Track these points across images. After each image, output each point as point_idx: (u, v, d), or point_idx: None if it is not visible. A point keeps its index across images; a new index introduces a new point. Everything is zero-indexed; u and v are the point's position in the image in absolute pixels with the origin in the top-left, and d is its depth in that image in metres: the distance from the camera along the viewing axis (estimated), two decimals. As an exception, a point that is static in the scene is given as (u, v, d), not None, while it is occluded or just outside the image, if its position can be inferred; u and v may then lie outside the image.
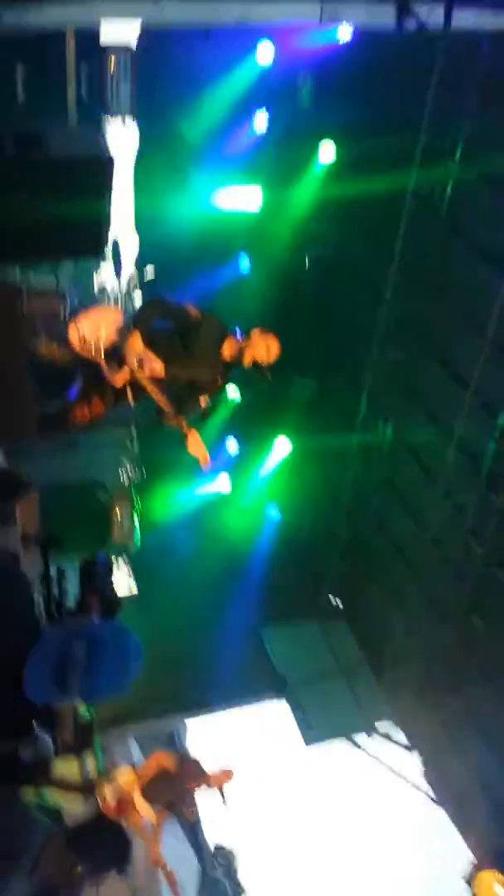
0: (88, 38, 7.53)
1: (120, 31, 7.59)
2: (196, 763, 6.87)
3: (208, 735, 9.25)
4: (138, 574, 10.40)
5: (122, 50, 7.93)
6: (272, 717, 9.74)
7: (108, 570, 4.14)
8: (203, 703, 9.22)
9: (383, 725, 9.70)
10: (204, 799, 6.46)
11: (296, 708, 9.68)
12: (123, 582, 10.11)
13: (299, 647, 10.17)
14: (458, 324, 8.13)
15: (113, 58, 7.86)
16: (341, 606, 10.78)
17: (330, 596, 10.81)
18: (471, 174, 7.73)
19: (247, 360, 5.09)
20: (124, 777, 6.15)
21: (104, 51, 7.79)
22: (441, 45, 7.32)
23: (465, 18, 5.98)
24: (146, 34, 7.98)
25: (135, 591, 10.18)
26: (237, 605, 10.14)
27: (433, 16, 5.81)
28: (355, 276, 9.88)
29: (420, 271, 8.54)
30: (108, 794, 6.07)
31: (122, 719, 8.17)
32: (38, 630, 2.34)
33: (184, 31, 5.24)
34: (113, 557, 10.85)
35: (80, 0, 4.05)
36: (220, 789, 6.90)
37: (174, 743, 9.37)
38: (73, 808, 5.08)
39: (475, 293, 7.85)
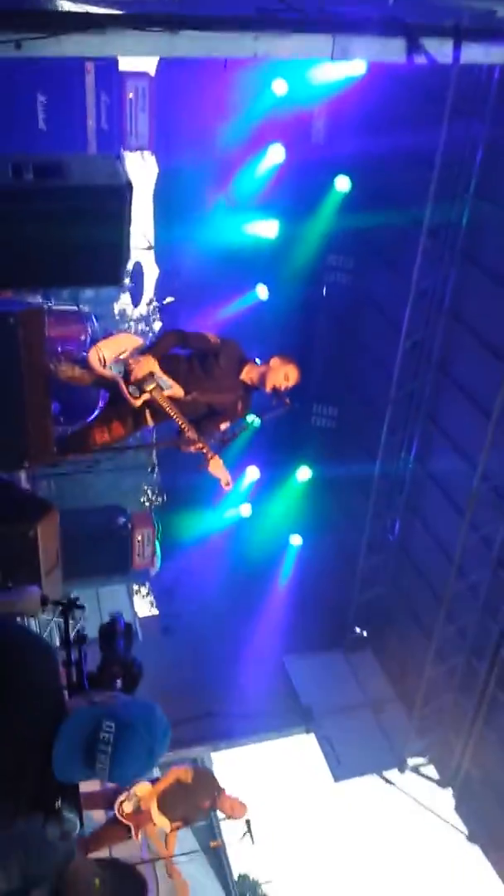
0: (108, 67, 7.75)
1: (138, 60, 7.82)
2: (211, 776, 6.92)
3: (234, 767, 9.10)
4: (159, 598, 10.36)
5: (140, 78, 8.13)
6: (299, 750, 9.56)
7: (129, 636, 4.09)
8: (227, 733, 9.08)
9: (414, 760, 9.47)
10: (230, 832, 6.48)
11: (324, 742, 9.49)
12: (145, 606, 10.10)
13: (324, 677, 9.99)
14: (476, 352, 8.17)
15: (132, 86, 8.06)
16: (366, 635, 10.61)
17: (354, 625, 10.66)
18: (485, 202, 7.83)
19: (267, 386, 5.13)
20: (141, 789, 6.29)
21: (123, 79, 7.99)
22: (452, 78, 7.48)
23: (474, 52, 6.06)
24: (164, 62, 8.20)
25: (155, 612, 10.13)
26: (259, 632, 10.03)
27: (443, 50, 5.89)
28: (372, 304, 9.96)
29: (436, 298, 8.60)
30: (126, 805, 6.23)
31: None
32: (62, 701, 2.32)
33: (202, 61, 5.39)
34: (134, 587, 10.87)
35: (99, 32, 4.20)
36: (247, 823, 6.87)
37: (197, 768, 9.26)
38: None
39: (494, 321, 7.89)
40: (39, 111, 7.38)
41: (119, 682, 3.71)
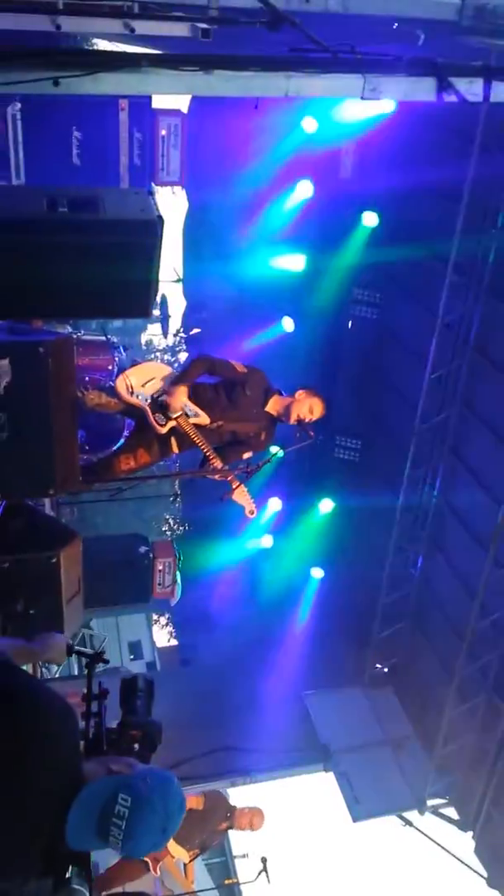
0: (142, 104, 7.92)
1: (172, 98, 7.99)
2: (222, 797, 6.82)
3: (251, 804, 8.98)
4: (178, 628, 10.29)
5: (173, 115, 8.28)
6: (317, 788, 9.41)
7: (150, 695, 4.05)
8: (244, 768, 8.96)
9: (434, 801, 9.27)
10: (247, 871, 6.38)
11: (342, 780, 9.32)
12: (164, 636, 10.06)
13: (344, 714, 9.84)
14: (501, 386, 8.15)
15: (165, 123, 8.21)
16: (386, 672, 10.47)
17: (375, 662, 10.52)
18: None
19: (291, 418, 5.16)
20: None
21: (156, 116, 8.14)
22: (481, 115, 7.56)
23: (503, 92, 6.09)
24: (197, 100, 8.37)
25: (174, 643, 10.08)
26: (278, 665, 9.94)
27: (472, 89, 5.95)
28: (397, 337, 10.00)
29: (462, 332, 8.62)
30: None
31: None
32: (79, 768, 2.31)
33: (234, 100, 5.49)
34: (154, 616, 10.81)
35: (135, 70, 4.31)
36: (263, 862, 6.74)
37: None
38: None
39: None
40: (74, 146, 7.56)
41: (137, 746, 3.65)
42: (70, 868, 2.31)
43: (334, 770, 9.34)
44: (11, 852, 2.10)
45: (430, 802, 9.23)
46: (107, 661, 3.47)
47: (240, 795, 9.13)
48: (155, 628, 11.49)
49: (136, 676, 3.74)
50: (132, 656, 11.01)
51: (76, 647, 3.43)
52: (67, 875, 2.30)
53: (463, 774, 8.89)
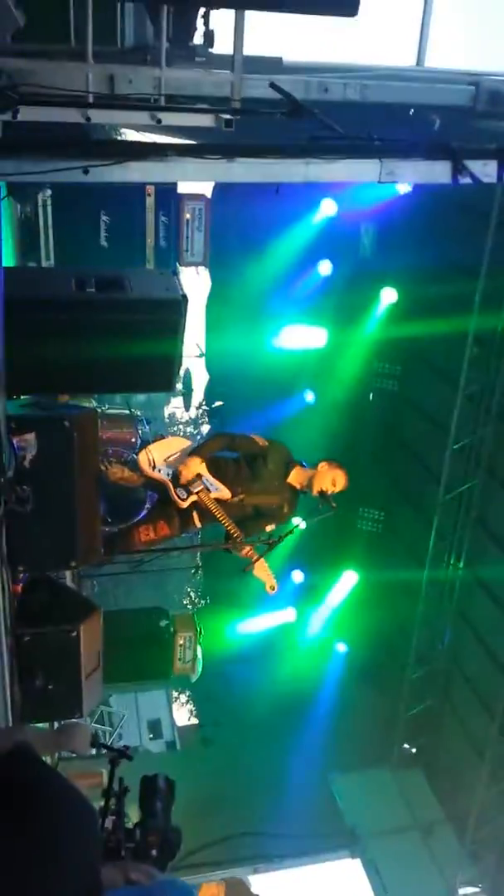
0: (167, 190, 8.24)
1: (197, 183, 8.31)
2: (243, 886, 6.54)
3: (273, 891, 8.61)
4: (200, 704, 10.05)
5: (197, 200, 8.61)
6: (343, 874, 9.01)
7: (170, 795, 3.99)
8: (266, 854, 8.61)
9: (466, 889, 8.83)
10: None
11: (369, 867, 8.93)
12: (184, 714, 9.83)
13: (370, 796, 9.48)
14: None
15: (189, 207, 8.52)
16: (415, 752, 10.13)
17: (403, 741, 10.19)
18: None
19: (314, 490, 5.15)
20: None
21: (181, 200, 8.47)
22: (496, 195, 7.77)
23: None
24: (220, 185, 8.70)
25: (195, 720, 9.83)
26: (302, 745, 9.65)
27: (486, 170, 6.11)
28: (419, 409, 10.04)
29: (484, 403, 8.65)
30: None
31: (179, 867, 7.72)
32: (98, 876, 2.27)
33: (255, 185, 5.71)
34: (174, 693, 10.58)
35: (161, 159, 4.51)
36: None
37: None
38: None
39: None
40: (102, 230, 7.88)
41: (155, 852, 3.56)
42: None
43: (361, 857, 8.96)
44: None
45: (461, 891, 8.79)
46: (130, 759, 3.37)
47: (262, 882, 8.79)
48: (175, 705, 11.22)
49: (156, 776, 3.64)
50: (151, 735, 10.70)
51: (100, 741, 3.35)
52: None
53: (496, 860, 8.48)
